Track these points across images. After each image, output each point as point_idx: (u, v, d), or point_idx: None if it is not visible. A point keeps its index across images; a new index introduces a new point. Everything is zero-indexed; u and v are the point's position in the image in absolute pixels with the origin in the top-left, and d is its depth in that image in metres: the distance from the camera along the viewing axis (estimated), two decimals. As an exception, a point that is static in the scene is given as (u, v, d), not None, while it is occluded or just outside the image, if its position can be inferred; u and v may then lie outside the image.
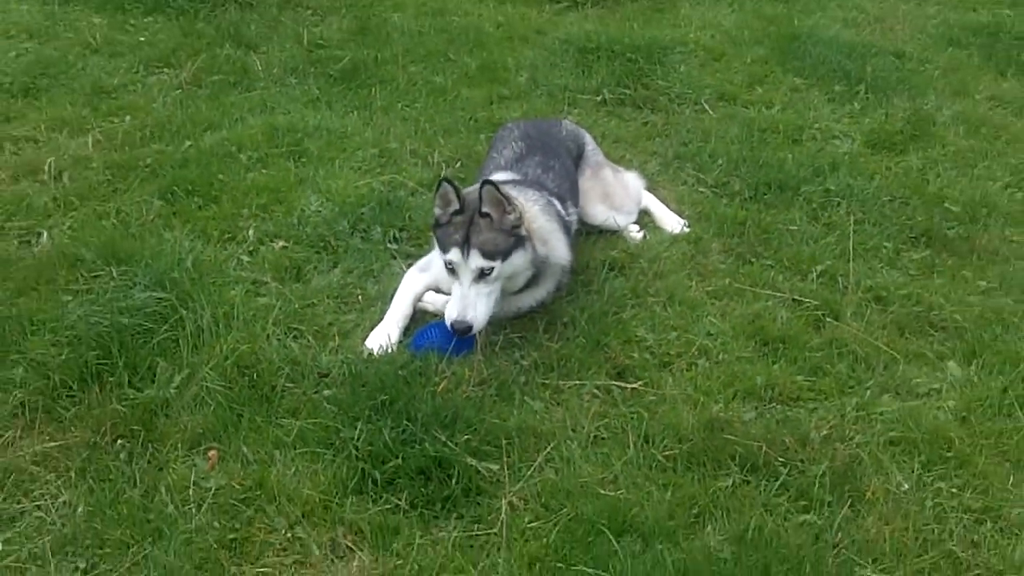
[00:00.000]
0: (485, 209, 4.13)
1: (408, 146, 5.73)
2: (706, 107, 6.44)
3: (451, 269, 4.16)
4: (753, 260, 4.89)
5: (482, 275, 4.11)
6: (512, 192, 4.35)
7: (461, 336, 4.10)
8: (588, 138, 5.32)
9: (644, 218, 5.22)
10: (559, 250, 4.43)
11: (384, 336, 4.22)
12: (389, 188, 5.28)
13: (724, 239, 5.04)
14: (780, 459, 3.72)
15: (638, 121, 6.27)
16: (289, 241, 4.87)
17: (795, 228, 5.13)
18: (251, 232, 4.90)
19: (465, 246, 4.10)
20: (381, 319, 4.33)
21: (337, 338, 4.26)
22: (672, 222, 5.17)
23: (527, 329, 4.35)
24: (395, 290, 4.44)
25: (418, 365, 4.03)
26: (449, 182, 4.16)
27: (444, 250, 4.16)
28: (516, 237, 4.19)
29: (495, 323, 4.33)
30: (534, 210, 4.41)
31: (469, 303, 4.10)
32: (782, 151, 5.85)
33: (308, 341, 4.23)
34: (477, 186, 4.21)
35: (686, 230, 5.12)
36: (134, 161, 5.46)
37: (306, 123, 5.90)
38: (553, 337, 4.30)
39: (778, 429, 3.85)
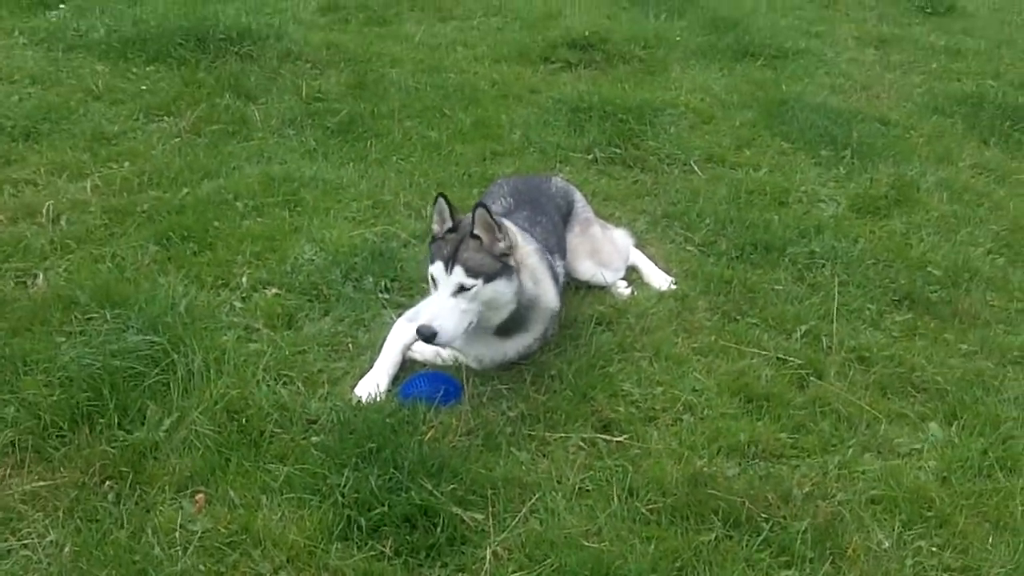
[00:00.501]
0: (476, 231, 4.15)
1: (402, 198, 5.75)
2: (695, 168, 6.49)
3: (433, 281, 4.16)
4: (739, 318, 4.91)
5: (461, 290, 4.11)
6: (513, 228, 4.39)
7: (425, 342, 4.11)
8: (578, 195, 5.34)
9: (632, 275, 5.24)
10: (549, 294, 4.45)
11: (373, 384, 4.21)
12: (382, 239, 5.30)
13: (710, 297, 5.06)
14: (763, 515, 3.71)
15: (628, 180, 6.31)
16: (282, 289, 4.87)
17: (780, 288, 5.15)
18: (244, 279, 4.90)
19: (450, 261, 4.10)
20: (370, 367, 4.32)
21: (326, 385, 4.25)
22: (659, 279, 5.19)
23: (514, 380, 4.34)
24: (384, 339, 4.44)
25: (406, 414, 4.01)
26: (444, 198, 4.20)
27: (431, 262, 4.17)
28: (503, 264, 4.21)
29: (483, 374, 4.35)
30: (529, 249, 4.44)
31: (441, 312, 4.08)
32: (768, 212, 5.89)
33: (298, 388, 4.22)
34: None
35: (673, 287, 5.13)
36: (132, 206, 5.47)
37: (302, 173, 5.92)
38: (540, 389, 4.30)
39: (761, 485, 3.84)
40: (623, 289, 5.09)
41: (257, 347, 4.42)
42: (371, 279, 4.94)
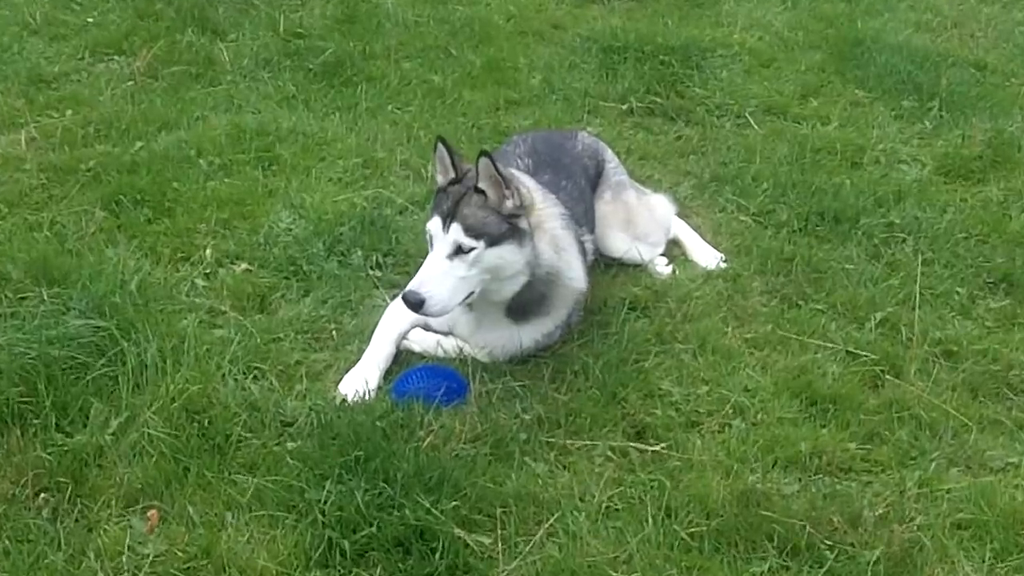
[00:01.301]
0: (480, 184, 4.16)
1: (398, 156, 5.75)
2: (750, 121, 6.46)
3: (429, 240, 4.19)
4: (801, 303, 4.89)
5: (459, 252, 4.12)
6: (532, 186, 4.41)
7: (411, 310, 4.13)
8: (609, 154, 5.32)
9: (673, 250, 5.24)
10: (575, 270, 4.45)
11: (361, 380, 4.21)
12: (374, 205, 5.29)
13: (767, 277, 5.04)
14: (826, 542, 3.69)
15: (670, 135, 6.29)
16: (253, 264, 4.88)
17: (852, 267, 5.13)
18: (209, 252, 4.91)
19: (448, 217, 4.13)
20: (358, 359, 4.32)
21: (305, 380, 4.25)
22: (706, 255, 5.18)
23: (530, 377, 4.34)
24: (376, 326, 4.43)
25: (400, 416, 4.01)
26: (444, 142, 4.24)
27: (429, 216, 4.22)
28: (512, 226, 4.21)
29: (493, 368, 4.34)
30: (553, 212, 4.44)
31: (433, 276, 4.10)
32: (839, 176, 5.86)
33: (271, 383, 4.22)
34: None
35: (723, 265, 5.12)
36: (74, 163, 5.48)
37: (279, 125, 5.91)
38: (561, 387, 4.29)
39: (825, 505, 3.82)
40: (662, 267, 5.08)
41: (223, 334, 4.42)
42: (360, 253, 4.94)
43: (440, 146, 4.25)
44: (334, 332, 4.53)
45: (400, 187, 5.46)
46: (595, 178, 5.13)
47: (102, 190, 5.27)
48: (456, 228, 4.11)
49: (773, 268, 5.09)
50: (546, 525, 3.70)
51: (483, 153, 4.16)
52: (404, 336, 4.44)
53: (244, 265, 4.87)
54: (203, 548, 3.53)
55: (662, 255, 5.15)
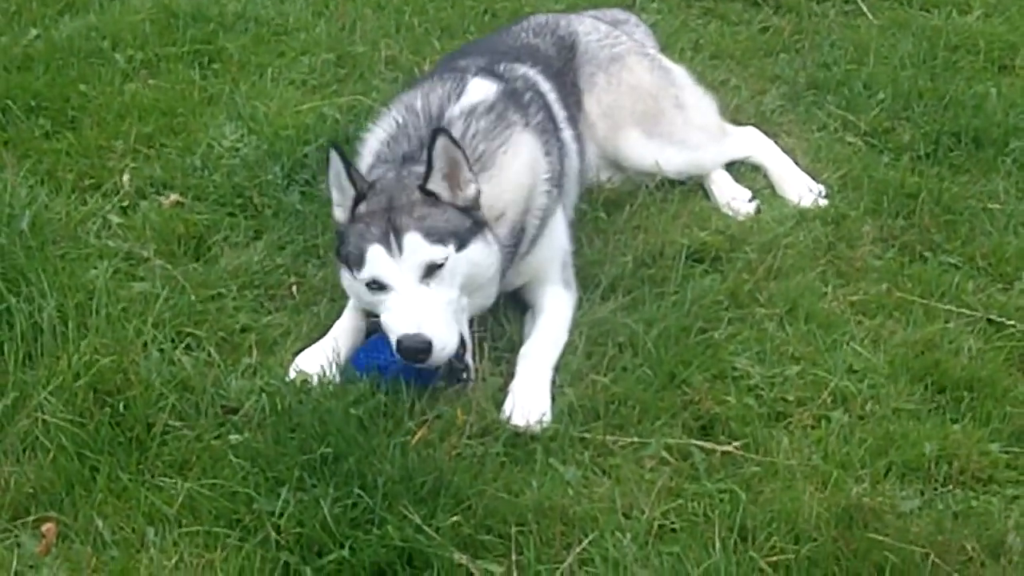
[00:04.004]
0: (430, 184, 4.10)
1: (383, 51, 5.76)
2: (862, 7, 6.44)
3: (377, 286, 4.08)
4: (928, 255, 4.89)
5: (430, 273, 4.05)
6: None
7: (416, 362, 4.01)
8: (585, 26, 5.27)
9: (756, 180, 5.25)
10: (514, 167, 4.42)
11: (329, 353, 4.22)
12: (350, 117, 5.31)
13: (882, 219, 5.04)
14: (957, 574, 3.69)
15: (753, 26, 6.29)
16: (186, 195, 4.91)
17: (998, 207, 5.13)
18: (127, 178, 4.94)
19: (395, 235, 4.03)
20: (327, 326, 4.34)
21: (255, 352, 4.27)
22: (798, 188, 5.20)
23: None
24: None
25: (381, 401, 4.02)
26: (337, 149, 4.18)
27: (357, 262, 4.10)
28: (475, 220, 4.16)
29: (509, 338, 4.34)
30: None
31: (419, 311, 4.00)
32: (981, 82, 5.86)
33: (208, 355, 4.24)
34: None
35: (822, 202, 5.13)
36: (-55, 57, 5.51)
37: (222, 8, 5.92)
38: (600, 365, 4.30)
39: (956, 527, 3.81)
40: (741, 203, 5.10)
41: (145, 288, 4.45)
42: (330, 180, 4.95)
43: (333, 155, 4.17)
44: (294, 288, 4.57)
45: (386, 92, 5.45)
46: (564, 61, 5.09)
47: (-17, 93, 5.30)
48: (415, 241, 4.03)
49: (890, 207, 5.09)
50: (577, 550, 3.69)
51: (438, 131, 4.09)
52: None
53: (174, 196, 4.90)
54: (116, 573, 3.55)
55: (743, 191, 5.17)
